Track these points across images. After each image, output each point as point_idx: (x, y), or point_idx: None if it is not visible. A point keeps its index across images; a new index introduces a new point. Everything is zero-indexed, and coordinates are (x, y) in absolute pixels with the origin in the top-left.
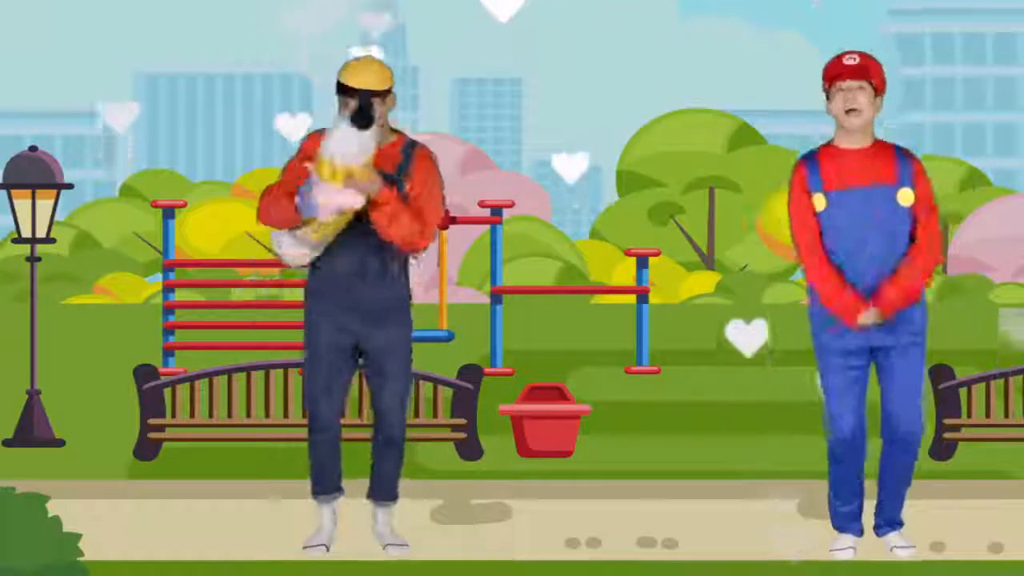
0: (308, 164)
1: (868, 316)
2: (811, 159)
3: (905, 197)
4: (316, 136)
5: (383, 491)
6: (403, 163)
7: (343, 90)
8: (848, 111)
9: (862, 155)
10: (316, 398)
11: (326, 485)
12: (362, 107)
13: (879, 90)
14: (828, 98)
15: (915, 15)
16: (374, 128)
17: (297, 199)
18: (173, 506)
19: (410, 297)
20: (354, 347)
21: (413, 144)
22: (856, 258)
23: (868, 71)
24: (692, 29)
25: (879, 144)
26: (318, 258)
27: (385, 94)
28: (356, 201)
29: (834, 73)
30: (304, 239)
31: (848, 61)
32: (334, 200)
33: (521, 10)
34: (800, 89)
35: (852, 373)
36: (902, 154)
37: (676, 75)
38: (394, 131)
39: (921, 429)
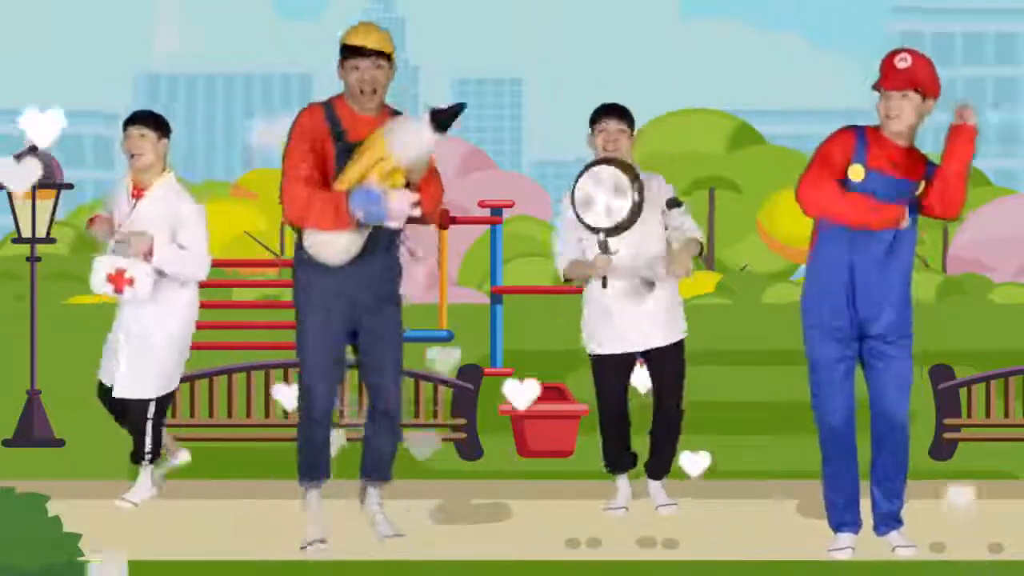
0: (361, 167)
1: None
2: (860, 131)
3: (921, 190)
4: (312, 111)
5: (380, 469)
6: None
7: (352, 51)
8: (887, 117)
9: (900, 149)
10: (315, 385)
11: (322, 469)
12: (453, 114)
13: (928, 94)
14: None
15: (915, 15)
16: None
17: (355, 208)
18: (173, 506)
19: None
20: (350, 332)
21: (397, 114)
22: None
23: (914, 79)
24: (693, 29)
25: (915, 149)
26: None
27: (390, 59)
28: (415, 208)
29: (882, 76)
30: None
31: (899, 64)
32: (404, 207)
33: (520, 9)
34: (800, 89)
35: (842, 364)
36: (931, 163)
37: (676, 75)
38: (385, 105)
39: (908, 419)
